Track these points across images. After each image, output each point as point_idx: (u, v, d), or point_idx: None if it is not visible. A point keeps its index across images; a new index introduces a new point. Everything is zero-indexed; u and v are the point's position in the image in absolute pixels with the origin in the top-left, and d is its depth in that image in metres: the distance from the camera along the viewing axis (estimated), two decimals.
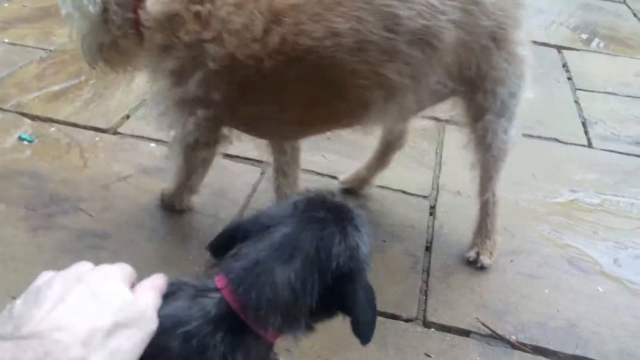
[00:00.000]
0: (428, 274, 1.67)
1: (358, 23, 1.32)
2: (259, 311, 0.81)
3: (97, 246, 1.62)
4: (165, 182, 1.91)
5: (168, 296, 0.81)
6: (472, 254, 1.70)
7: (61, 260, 1.56)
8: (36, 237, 1.64)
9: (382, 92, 1.42)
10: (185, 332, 0.79)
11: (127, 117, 2.28)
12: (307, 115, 1.51)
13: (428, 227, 1.85)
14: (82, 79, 2.50)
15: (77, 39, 1.56)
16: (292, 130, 1.61)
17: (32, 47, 2.74)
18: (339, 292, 0.83)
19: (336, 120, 1.57)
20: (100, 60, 1.62)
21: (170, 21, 1.40)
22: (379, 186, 2.00)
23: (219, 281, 0.84)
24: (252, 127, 1.61)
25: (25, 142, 2.05)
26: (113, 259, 1.54)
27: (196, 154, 1.59)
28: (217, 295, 0.82)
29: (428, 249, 1.77)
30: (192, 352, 0.79)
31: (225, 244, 0.92)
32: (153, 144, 2.13)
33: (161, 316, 0.74)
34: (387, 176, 2.03)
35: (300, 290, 0.82)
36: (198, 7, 1.37)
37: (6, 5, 3.17)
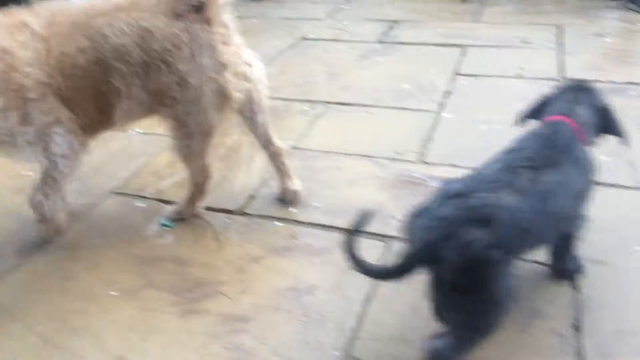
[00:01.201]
0: (580, 357, 1.58)
1: (92, 42, 1.89)
2: (585, 129, 1.68)
3: (240, 330, 1.72)
4: (293, 262, 2.02)
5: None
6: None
7: (210, 346, 1.68)
8: (186, 322, 1.77)
9: (115, 96, 1.96)
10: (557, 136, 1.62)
11: (252, 197, 2.43)
12: (100, 110, 2.03)
13: (574, 303, 1.76)
14: None
15: None
16: (105, 122, 2.12)
17: (162, 135, 2.98)
18: (604, 120, 1.74)
19: (110, 116, 2.05)
20: None
21: None
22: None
23: (558, 117, 1.69)
24: (99, 125, 2.12)
25: (166, 228, 2.24)
26: (257, 343, 1.66)
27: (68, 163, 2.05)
28: (565, 123, 1.66)
29: (577, 327, 1.68)
30: (568, 148, 1.59)
31: (533, 114, 1.82)
32: (278, 223, 2.25)
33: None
34: None
35: (593, 118, 1.72)
36: None
37: None
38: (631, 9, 4.47)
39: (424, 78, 3.53)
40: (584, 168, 1.62)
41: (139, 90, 1.98)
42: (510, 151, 1.60)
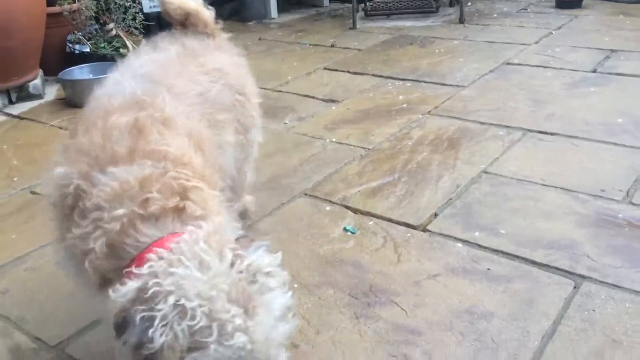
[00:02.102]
0: None
1: (194, 106, 1.70)
2: None
3: (410, 342, 1.72)
4: (472, 285, 1.95)
5: None
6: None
7: (379, 350, 1.70)
8: (358, 324, 1.82)
9: (224, 135, 1.83)
10: None
11: (435, 215, 2.41)
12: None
13: None
14: (396, 176, 2.75)
15: None
16: None
17: (354, 146, 3.13)
18: None
19: None
20: None
21: None
22: None
23: None
24: None
25: (349, 233, 2.33)
26: (426, 358, 1.64)
27: None
28: None
29: None
30: None
31: None
32: (459, 244, 2.20)
33: None
34: None
35: None
36: None
37: (334, 108, 3.72)
38: None
39: None
40: None
41: (236, 125, 1.92)
42: None
